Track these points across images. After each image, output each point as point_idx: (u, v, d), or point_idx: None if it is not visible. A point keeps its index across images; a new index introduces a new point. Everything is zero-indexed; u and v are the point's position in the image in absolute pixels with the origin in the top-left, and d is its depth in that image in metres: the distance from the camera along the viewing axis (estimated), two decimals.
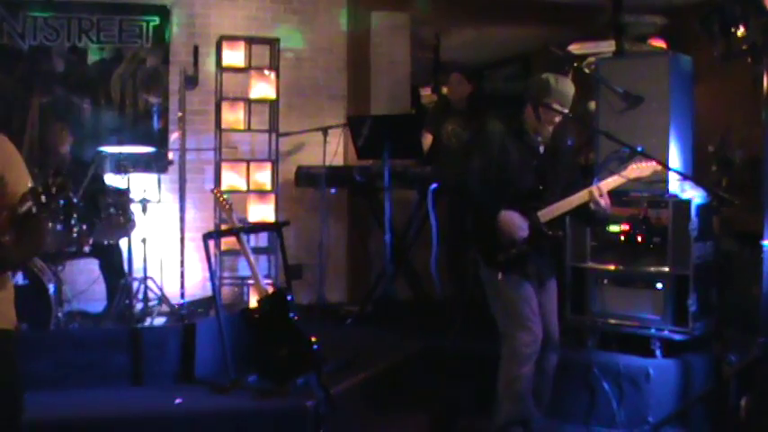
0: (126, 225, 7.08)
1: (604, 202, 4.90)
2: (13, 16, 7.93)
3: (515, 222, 4.93)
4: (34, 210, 3.59)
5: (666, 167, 5.32)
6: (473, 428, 5.91)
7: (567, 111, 5.00)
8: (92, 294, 7.30)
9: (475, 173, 5.08)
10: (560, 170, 5.14)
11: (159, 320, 6.99)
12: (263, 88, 8.09)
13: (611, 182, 4.99)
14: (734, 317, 6.26)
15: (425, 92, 10.61)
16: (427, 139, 7.69)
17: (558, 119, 5.02)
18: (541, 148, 5.13)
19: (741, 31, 6.15)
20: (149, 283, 7.23)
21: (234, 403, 5.54)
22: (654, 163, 4.97)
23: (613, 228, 6.04)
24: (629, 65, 6.36)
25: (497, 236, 4.97)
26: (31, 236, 3.81)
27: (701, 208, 5.88)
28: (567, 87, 5.03)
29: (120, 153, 7.39)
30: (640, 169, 4.97)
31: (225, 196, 6.33)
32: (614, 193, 5.15)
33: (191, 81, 8.01)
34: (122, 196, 7.10)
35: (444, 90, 9.83)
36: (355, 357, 6.17)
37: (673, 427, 5.56)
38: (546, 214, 4.99)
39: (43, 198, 3.64)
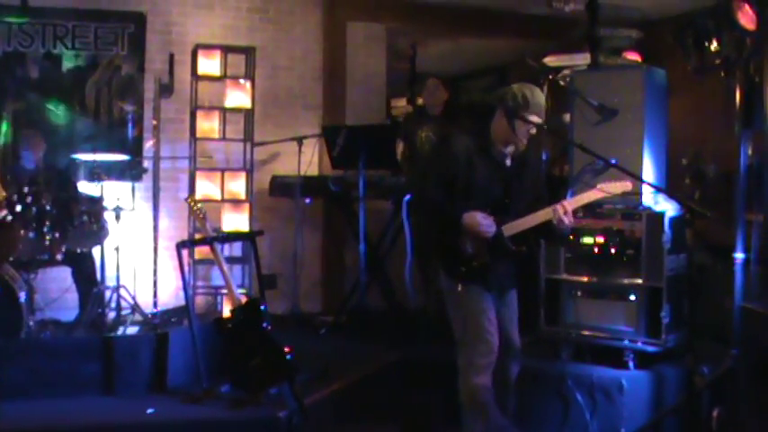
0: (99, 233, 7.04)
1: (568, 220, 4.84)
2: None
3: (479, 220, 4.86)
4: (9, 218, 3.62)
5: (640, 180, 5.35)
6: None
7: (542, 122, 4.97)
8: (64, 303, 7.24)
9: (435, 182, 5.04)
10: (527, 183, 5.09)
11: (132, 329, 6.94)
12: (238, 97, 8.08)
13: (578, 199, 4.95)
14: (706, 329, 6.30)
15: (398, 102, 10.60)
16: (399, 148, 7.71)
17: (533, 131, 4.97)
18: (508, 161, 5.06)
19: (714, 46, 6.21)
20: (122, 291, 7.18)
21: (206, 413, 5.52)
22: (624, 182, 4.91)
23: (587, 240, 6.06)
24: (603, 77, 6.39)
25: (459, 247, 4.93)
26: (4, 243, 3.84)
27: (674, 220, 5.91)
28: (541, 98, 5.01)
29: (94, 161, 7.35)
30: (609, 188, 4.90)
31: (199, 205, 6.30)
32: (588, 206, 5.17)
33: (166, 89, 7.99)
34: (96, 204, 7.07)
35: (420, 99, 9.86)
36: (327, 368, 6.16)
37: None
38: (510, 228, 4.93)
39: (18, 207, 3.66)
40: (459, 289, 4.98)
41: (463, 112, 7.94)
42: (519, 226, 4.93)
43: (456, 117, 7.79)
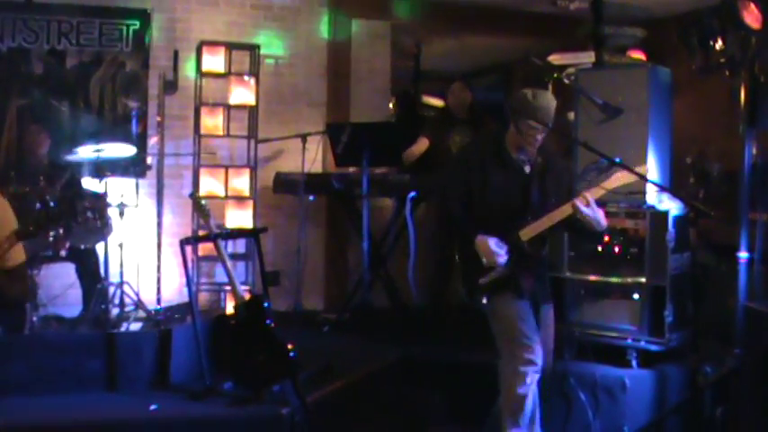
0: (103, 229, 7.05)
1: (592, 211, 4.74)
2: None
3: (490, 248, 4.80)
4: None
5: (645, 179, 5.34)
6: None
7: (546, 126, 4.87)
8: (67, 299, 7.25)
9: (453, 195, 5.03)
10: (549, 190, 5.00)
11: (135, 326, 6.94)
12: (242, 94, 8.08)
13: (594, 191, 4.83)
14: (710, 328, 6.30)
15: (433, 101, 10.60)
16: (422, 143, 7.68)
17: (540, 136, 4.90)
18: (527, 167, 5.00)
19: (719, 45, 6.20)
20: (125, 288, 7.19)
21: (209, 410, 5.51)
22: (642, 166, 4.91)
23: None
24: (608, 76, 6.39)
25: (479, 258, 4.87)
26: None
27: (678, 219, 5.91)
28: (546, 102, 4.90)
29: (99, 157, 7.35)
30: (623, 177, 4.83)
31: (203, 202, 6.30)
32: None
33: (170, 86, 7.99)
34: (99, 200, 7.07)
35: (426, 99, 9.87)
36: (330, 365, 6.15)
37: None
38: (527, 232, 4.87)
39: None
40: (484, 301, 4.94)
41: (487, 113, 7.93)
42: (536, 228, 4.88)
43: (481, 119, 7.80)
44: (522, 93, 4.95)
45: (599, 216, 4.79)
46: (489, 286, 4.90)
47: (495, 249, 4.82)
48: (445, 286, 7.33)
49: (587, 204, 4.74)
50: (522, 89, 5.02)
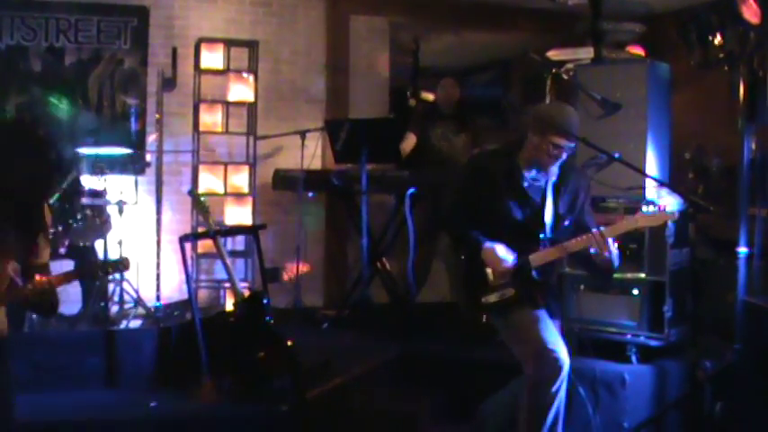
0: (102, 227, 7.05)
1: (606, 251, 4.55)
2: None
3: (498, 255, 4.69)
4: None
5: (643, 174, 5.35)
6: None
7: (571, 143, 4.70)
8: (67, 296, 7.18)
9: (458, 208, 4.94)
10: (564, 210, 4.83)
11: (135, 323, 6.95)
12: (241, 91, 8.08)
13: (617, 227, 4.62)
14: (709, 323, 6.30)
15: (428, 96, 10.60)
16: (411, 140, 7.71)
17: (564, 153, 4.70)
18: (541, 185, 4.82)
19: (718, 40, 6.21)
20: (125, 285, 7.19)
21: (208, 407, 5.54)
22: (666, 214, 4.68)
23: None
24: (607, 72, 6.38)
25: (484, 277, 4.79)
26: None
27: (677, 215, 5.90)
28: (574, 117, 4.74)
29: (97, 154, 7.35)
30: (651, 219, 4.62)
31: (202, 199, 6.31)
32: (590, 199, 5.11)
33: (169, 83, 7.99)
34: (99, 198, 7.07)
35: (425, 94, 9.87)
36: (329, 362, 6.16)
37: None
38: (537, 259, 4.74)
39: None
40: (485, 319, 4.84)
41: (474, 110, 7.94)
42: (546, 256, 4.75)
43: (468, 116, 7.82)
44: (547, 107, 4.85)
45: (614, 256, 4.60)
46: (492, 306, 4.81)
47: (503, 255, 4.70)
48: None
49: (602, 242, 4.55)
50: (544, 104, 4.91)
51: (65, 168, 6.70)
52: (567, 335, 5.98)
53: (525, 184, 4.82)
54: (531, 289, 4.78)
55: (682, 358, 5.90)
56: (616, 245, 4.59)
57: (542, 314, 4.80)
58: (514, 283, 4.76)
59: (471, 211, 4.88)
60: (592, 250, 4.59)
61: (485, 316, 4.87)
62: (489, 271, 4.80)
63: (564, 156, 4.73)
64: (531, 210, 4.82)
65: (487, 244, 4.74)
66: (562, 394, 4.80)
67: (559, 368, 4.70)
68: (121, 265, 4.27)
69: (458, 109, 7.85)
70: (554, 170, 4.81)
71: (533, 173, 4.83)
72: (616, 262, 4.63)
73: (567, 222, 4.83)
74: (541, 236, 4.78)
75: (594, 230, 4.59)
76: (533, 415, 4.78)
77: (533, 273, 4.76)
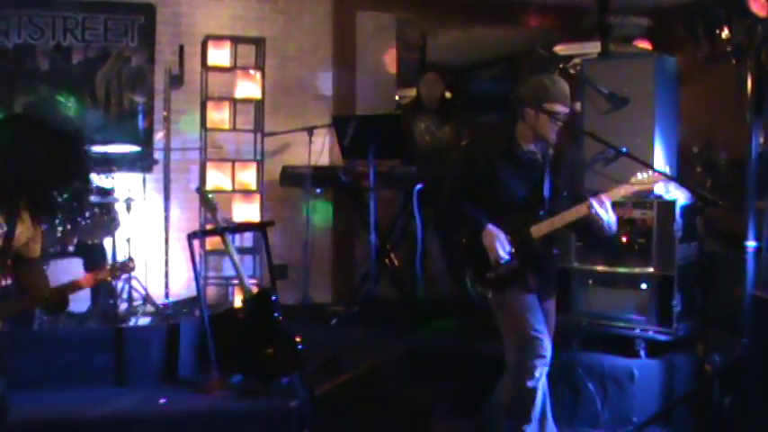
0: (110, 224, 7.06)
1: (606, 215, 4.63)
2: None
3: (495, 245, 4.75)
4: None
5: (651, 169, 5.32)
6: (455, 430, 5.90)
7: (567, 109, 4.80)
8: (75, 294, 7.22)
9: (457, 191, 4.97)
10: (561, 183, 4.90)
11: (143, 320, 6.96)
12: (248, 88, 8.08)
13: (614, 192, 4.71)
14: (718, 317, 6.28)
15: (408, 92, 10.62)
16: None
17: (560, 122, 4.77)
18: (540, 160, 4.89)
19: (725, 33, 6.19)
20: (134, 282, 7.19)
21: (218, 403, 5.54)
22: (656, 174, 4.78)
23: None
24: (614, 66, 6.38)
25: (487, 253, 4.82)
26: None
27: (685, 209, 5.90)
28: (565, 85, 4.83)
29: (105, 152, 7.36)
30: (645, 181, 4.70)
31: (210, 196, 6.32)
32: (598, 193, 5.11)
33: (176, 80, 8.00)
34: (107, 195, 7.08)
35: (407, 90, 9.88)
36: (338, 358, 6.17)
37: (657, 428, 5.58)
38: (539, 230, 4.79)
39: None
40: (489, 296, 4.88)
41: (462, 106, 7.96)
42: (548, 227, 4.80)
43: (452, 111, 7.84)
44: (538, 79, 4.86)
45: (612, 220, 4.68)
46: (496, 281, 4.85)
47: (499, 247, 4.76)
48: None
49: (603, 206, 4.63)
50: (533, 78, 4.96)
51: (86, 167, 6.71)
52: (575, 329, 6.02)
53: (524, 160, 4.89)
54: (528, 266, 4.83)
55: (690, 352, 5.89)
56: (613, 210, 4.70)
57: (533, 300, 4.86)
58: (517, 255, 4.81)
59: (471, 191, 4.93)
60: (593, 213, 4.62)
61: (489, 293, 4.89)
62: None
63: (559, 124, 4.80)
64: (530, 184, 4.88)
65: (490, 227, 4.79)
66: (543, 381, 4.85)
67: (542, 356, 4.76)
68: (127, 267, 4.33)
69: (441, 103, 7.90)
70: (554, 140, 4.86)
71: (531, 147, 4.90)
72: (614, 227, 4.73)
73: (564, 196, 4.88)
74: (541, 211, 4.83)
75: (592, 198, 4.66)
76: (522, 402, 4.83)
77: (535, 244, 4.81)
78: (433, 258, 7.53)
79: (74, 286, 4.17)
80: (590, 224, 4.72)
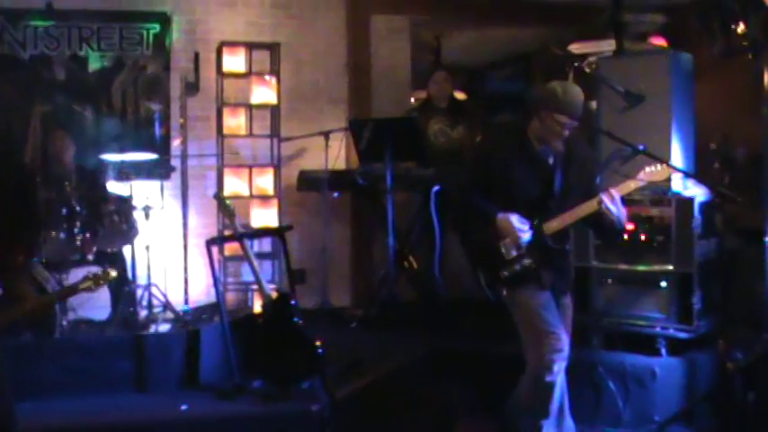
0: (129, 232, 7.08)
1: (617, 208, 4.68)
2: (14, 26, 7.93)
3: (513, 225, 4.77)
4: None
5: (669, 166, 5.31)
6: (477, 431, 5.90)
7: (575, 122, 4.78)
8: (96, 302, 7.25)
9: (470, 186, 4.98)
10: (572, 181, 4.91)
11: (164, 327, 6.98)
12: (264, 93, 8.11)
13: (624, 187, 4.77)
14: (738, 314, 6.25)
15: (419, 95, 10.64)
16: None
17: (567, 131, 4.79)
18: (551, 159, 4.91)
19: (741, 28, 6.15)
20: (153, 289, 7.22)
21: (239, 408, 5.55)
22: (665, 166, 4.83)
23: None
24: (629, 64, 6.36)
25: (499, 250, 4.85)
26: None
27: (703, 206, 5.88)
28: (576, 96, 4.80)
29: (123, 160, 7.39)
30: (654, 173, 4.77)
31: (228, 202, 6.33)
32: None
33: (192, 87, 8.03)
34: (125, 203, 7.10)
35: (416, 93, 9.89)
36: (358, 361, 6.17)
37: (679, 426, 5.56)
38: (551, 226, 4.82)
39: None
40: (505, 293, 4.90)
41: (476, 106, 7.95)
42: (559, 222, 4.83)
43: (464, 111, 7.84)
44: (551, 86, 4.85)
45: (622, 214, 4.73)
46: (511, 279, 4.86)
47: (519, 226, 4.78)
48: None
49: (613, 201, 4.68)
50: (549, 82, 4.95)
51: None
52: (595, 328, 6.01)
53: (537, 158, 4.92)
54: (542, 261, 4.85)
55: (712, 350, 5.86)
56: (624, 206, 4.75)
57: (547, 297, 4.89)
58: (530, 253, 4.83)
59: (484, 188, 4.94)
60: (605, 207, 4.66)
61: (504, 291, 4.91)
62: (505, 243, 4.85)
63: (566, 133, 4.81)
64: (542, 182, 4.90)
65: (501, 214, 4.81)
66: (562, 378, 4.86)
67: (560, 350, 4.79)
68: (103, 278, 4.38)
69: (451, 103, 7.91)
70: (560, 147, 4.87)
71: (542, 148, 4.92)
72: (624, 220, 4.78)
73: (575, 192, 4.89)
74: (552, 207, 4.86)
75: (602, 193, 4.71)
76: (541, 397, 4.84)
77: (547, 240, 4.83)
78: (453, 259, 7.52)
79: (52, 299, 4.18)
80: (601, 219, 4.76)
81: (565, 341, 4.81)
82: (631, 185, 4.78)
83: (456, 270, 7.56)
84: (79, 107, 8.05)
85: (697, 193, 5.90)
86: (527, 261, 4.83)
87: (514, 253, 4.85)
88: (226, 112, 8.05)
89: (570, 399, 5.00)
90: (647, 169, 4.79)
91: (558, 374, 4.82)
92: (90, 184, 7.03)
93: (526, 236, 4.81)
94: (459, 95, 10.38)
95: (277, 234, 7.43)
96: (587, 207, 4.76)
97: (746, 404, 5.45)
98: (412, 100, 9.68)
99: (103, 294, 7.20)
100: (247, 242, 6.26)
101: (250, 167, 8.09)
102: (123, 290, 7.00)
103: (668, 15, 8.45)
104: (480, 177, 4.97)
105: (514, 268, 4.85)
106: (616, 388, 5.63)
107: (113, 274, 4.41)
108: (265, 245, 8.27)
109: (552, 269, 4.92)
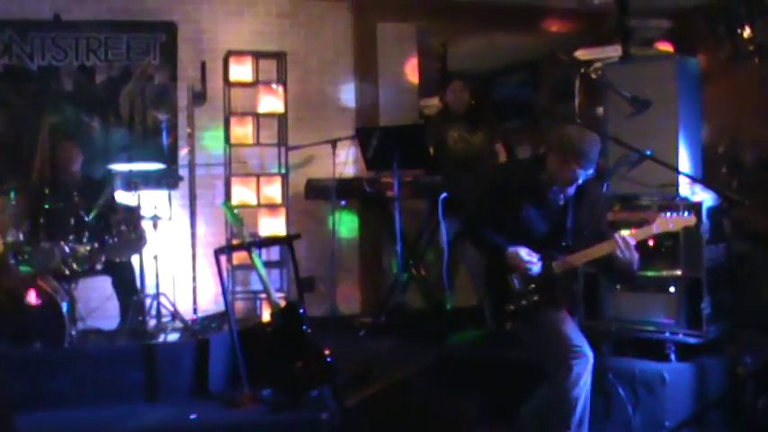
0: (137, 242, 7.09)
1: (630, 254, 4.68)
2: (22, 37, 7.96)
3: (523, 256, 4.78)
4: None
5: (676, 171, 5.30)
6: None
7: (588, 172, 4.79)
8: (105, 312, 7.30)
9: (482, 217, 5.00)
10: (582, 221, 4.93)
11: (173, 336, 6.98)
12: (271, 102, 8.13)
13: (640, 233, 4.77)
14: (748, 318, 6.23)
15: (430, 102, 10.63)
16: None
17: (580, 179, 4.80)
18: (562, 199, 4.92)
19: (747, 32, 6.16)
20: (162, 299, 7.22)
21: (248, 417, 5.55)
22: (689, 218, 4.80)
23: (624, 233, 5.99)
24: (636, 69, 6.34)
25: (507, 283, 4.88)
26: None
27: (712, 210, 5.86)
28: (592, 145, 4.81)
29: (131, 170, 7.40)
30: (670, 222, 4.76)
31: (236, 211, 6.34)
32: (624, 197, 5.11)
33: (199, 97, 8.04)
34: (133, 213, 7.11)
35: (430, 100, 9.89)
36: (368, 369, 6.16)
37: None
38: (560, 265, 4.85)
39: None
40: (509, 326, 4.92)
41: (490, 112, 7.97)
42: (570, 262, 4.86)
43: (481, 118, 7.85)
44: (567, 133, 4.86)
45: (635, 259, 4.73)
46: (515, 313, 4.88)
47: (527, 258, 4.79)
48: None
49: (627, 246, 4.69)
50: (567, 128, 4.96)
51: None
52: (605, 334, 5.99)
53: (549, 198, 4.93)
54: (554, 291, 4.88)
55: (721, 355, 5.84)
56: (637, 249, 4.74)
57: (565, 314, 4.91)
58: (539, 288, 4.85)
59: (494, 221, 4.95)
60: (618, 253, 4.68)
61: (509, 324, 4.93)
62: (512, 278, 4.88)
63: (579, 180, 4.82)
64: (553, 222, 4.92)
65: (512, 248, 4.82)
66: (588, 387, 4.85)
67: (587, 362, 4.80)
68: None
69: (470, 109, 7.89)
70: (568, 190, 4.90)
71: (554, 188, 4.91)
72: (636, 265, 4.78)
73: (585, 232, 4.92)
74: (563, 243, 4.88)
75: (617, 236, 4.70)
76: (564, 410, 4.83)
77: (556, 279, 4.86)
78: (463, 265, 7.53)
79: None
80: (613, 262, 4.77)
81: (589, 354, 4.82)
82: (647, 232, 4.80)
83: (464, 277, 7.59)
84: (87, 117, 8.07)
85: (705, 197, 5.88)
86: (534, 297, 4.86)
87: (519, 287, 4.87)
88: (233, 121, 8.07)
89: (591, 410, 4.98)
90: (664, 217, 4.79)
91: (585, 387, 4.82)
92: (98, 194, 7.04)
93: (536, 267, 4.82)
94: None
95: (285, 242, 7.45)
96: (600, 249, 4.77)
97: (757, 409, 5.44)
98: (423, 107, 9.71)
99: (113, 304, 7.24)
100: (256, 251, 6.27)
101: (258, 176, 8.11)
102: (132, 299, 7.01)
103: (674, 20, 8.45)
104: (490, 209, 4.99)
105: (521, 303, 4.87)
106: (626, 394, 5.61)
107: None
108: (274, 253, 8.28)
109: (564, 296, 4.96)
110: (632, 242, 4.69)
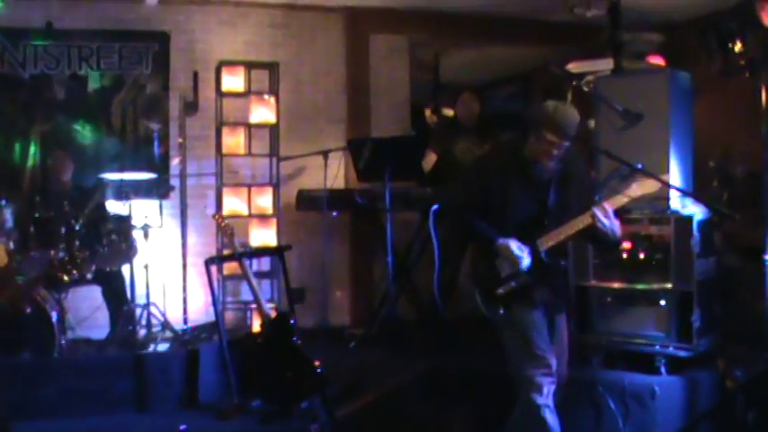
0: (128, 251, 7.09)
1: (610, 222, 4.69)
2: (14, 45, 7.95)
3: (513, 252, 4.76)
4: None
5: (667, 185, 5.31)
6: None
7: (565, 142, 4.77)
8: (95, 321, 7.29)
9: (469, 204, 4.97)
10: (570, 198, 4.92)
11: (163, 346, 6.98)
12: (263, 113, 8.13)
13: (616, 200, 4.77)
14: (738, 332, 6.24)
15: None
16: (431, 158, 7.73)
17: (557, 150, 4.78)
18: (545, 176, 4.89)
19: (738, 47, 6.18)
20: (152, 308, 7.22)
21: (238, 428, 5.55)
22: (652, 181, 4.82)
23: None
24: (627, 82, 6.37)
25: (496, 268, 4.85)
26: None
27: (702, 224, 5.87)
28: (567, 116, 4.79)
29: (122, 179, 7.40)
30: (644, 186, 4.78)
31: (226, 221, 6.34)
32: (615, 211, 5.10)
33: (191, 106, 8.04)
34: (124, 222, 7.11)
35: (446, 110, 9.88)
36: (358, 380, 6.16)
37: None
38: (545, 241, 4.82)
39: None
40: (501, 312, 4.88)
41: (496, 123, 7.98)
42: (555, 237, 4.83)
43: (489, 128, 7.85)
44: (543, 105, 4.88)
45: (615, 227, 4.74)
46: (507, 297, 4.86)
47: (518, 252, 4.78)
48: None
49: (606, 215, 4.69)
50: (544, 101, 4.98)
51: None
52: (595, 347, 5.99)
53: (533, 177, 4.91)
54: (535, 280, 4.84)
55: (712, 368, 5.85)
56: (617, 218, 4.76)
57: (538, 316, 4.87)
58: (527, 271, 4.82)
59: (480, 205, 4.93)
60: (599, 224, 4.69)
61: (501, 308, 4.88)
62: (501, 260, 4.85)
63: (555, 152, 4.80)
64: (537, 199, 4.91)
65: (501, 240, 4.80)
66: (551, 399, 4.79)
67: (548, 373, 4.75)
68: None
69: (479, 122, 7.89)
70: (551, 166, 4.88)
71: (538, 166, 4.90)
72: (618, 232, 4.78)
73: (574, 209, 4.88)
74: (546, 223, 4.86)
75: (595, 207, 4.72)
76: (527, 424, 4.79)
77: (542, 255, 4.82)
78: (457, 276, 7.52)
79: None
80: (596, 233, 4.76)
81: (553, 363, 4.77)
82: (623, 199, 4.79)
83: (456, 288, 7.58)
84: (79, 126, 8.06)
85: (696, 211, 5.90)
86: (523, 278, 4.83)
87: (510, 270, 4.84)
88: (225, 131, 8.07)
89: (561, 422, 4.95)
90: (637, 183, 4.81)
91: (549, 397, 4.76)
92: (89, 203, 7.03)
93: (526, 261, 4.80)
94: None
95: (276, 253, 7.44)
96: (580, 221, 4.77)
97: (747, 422, 5.44)
98: (430, 120, 9.72)
99: (102, 314, 7.22)
100: (246, 261, 6.26)
101: (249, 186, 8.11)
102: (122, 309, 7.00)
103: (666, 34, 8.48)
104: (476, 195, 4.97)
105: (510, 285, 4.84)
106: (616, 407, 5.61)
107: None
108: (264, 264, 8.27)
109: (547, 287, 4.92)
110: (610, 209, 4.70)
